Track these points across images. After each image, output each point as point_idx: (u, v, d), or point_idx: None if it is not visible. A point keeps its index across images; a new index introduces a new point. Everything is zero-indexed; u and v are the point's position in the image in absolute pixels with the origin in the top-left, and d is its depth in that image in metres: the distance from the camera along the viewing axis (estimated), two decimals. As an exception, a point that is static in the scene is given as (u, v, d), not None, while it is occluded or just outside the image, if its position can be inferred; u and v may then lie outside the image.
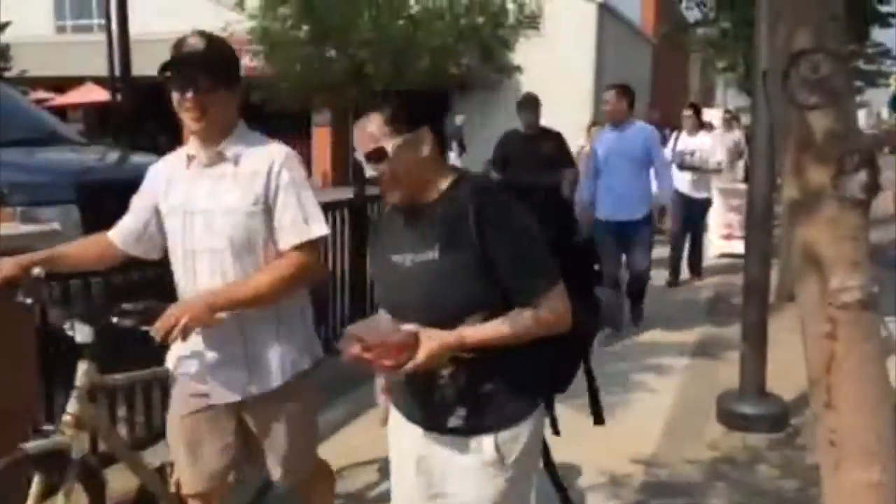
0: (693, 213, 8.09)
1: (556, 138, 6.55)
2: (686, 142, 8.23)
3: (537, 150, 6.29)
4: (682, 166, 7.90)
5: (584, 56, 18.07)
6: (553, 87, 15.20)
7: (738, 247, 7.99)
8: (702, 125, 9.86)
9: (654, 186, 6.21)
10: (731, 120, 12.42)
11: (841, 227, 1.48)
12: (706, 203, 8.39)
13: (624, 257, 6.20)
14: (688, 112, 8.47)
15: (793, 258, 1.57)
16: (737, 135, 12.07)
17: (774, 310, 5.36)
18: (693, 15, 8.66)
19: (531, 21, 9.90)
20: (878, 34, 7.77)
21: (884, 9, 7.61)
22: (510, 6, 9.87)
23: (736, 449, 4.00)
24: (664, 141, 9.74)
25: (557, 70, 16.50)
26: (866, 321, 1.49)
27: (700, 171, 7.98)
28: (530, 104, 6.48)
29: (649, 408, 4.50)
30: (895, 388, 1.65)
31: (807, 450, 3.89)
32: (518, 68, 10.23)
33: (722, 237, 9.84)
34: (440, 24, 9.40)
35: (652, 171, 6.13)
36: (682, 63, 29.86)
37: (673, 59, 26.07)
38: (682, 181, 7.87)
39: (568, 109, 15.14)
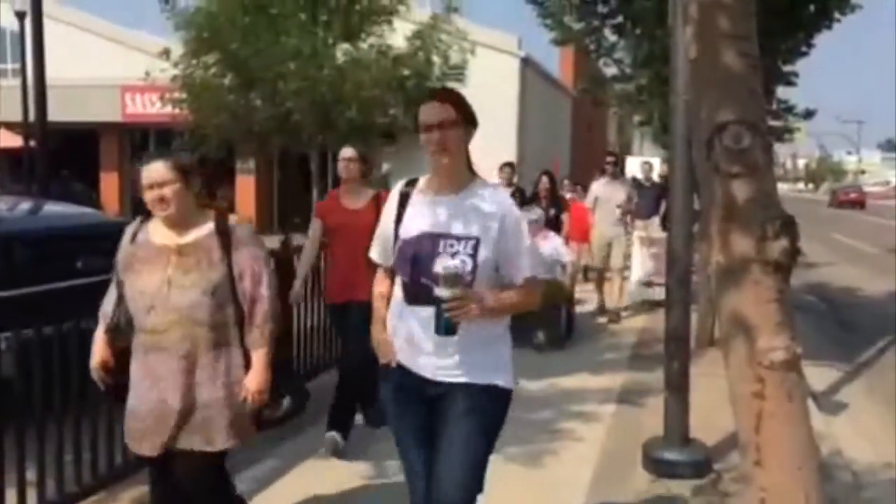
0: None
1: None
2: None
3: None
4: None
5: (508, 108, 18.53)
6: (477, 137, 15.45)
7: (659, 293, 8.22)
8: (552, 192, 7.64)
9: None
10: (613, 164, 9.26)
11: (764, 290, 1.54)
12: None
13: None
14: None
15: (720, 321, 1.62)
16: (621, 193, 9.03)
17: (695, 356, 5.49)
18: (610, 71, 8.97)
19: (456, 73, 10.09)
20: (783, 92, 8.36)
21: (787, 68, 8.10)
22: (435, 59, 10.05)
23: (661, 496, 4.04)
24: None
25: (481, 121, 16.86)
26: (792, 381, 1.54)
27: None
28: None
29: (576, 455, 4.52)
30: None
31: (730, 495, 3.98)
32: (444, 119, 10.38)
33: (643, 284, 10.10)
34: (367, 75, 9.49)
35: None
36: (601, 115, 30.91)
37: (592, 112, 26.98)
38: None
39: (492, 158, 15.49)
